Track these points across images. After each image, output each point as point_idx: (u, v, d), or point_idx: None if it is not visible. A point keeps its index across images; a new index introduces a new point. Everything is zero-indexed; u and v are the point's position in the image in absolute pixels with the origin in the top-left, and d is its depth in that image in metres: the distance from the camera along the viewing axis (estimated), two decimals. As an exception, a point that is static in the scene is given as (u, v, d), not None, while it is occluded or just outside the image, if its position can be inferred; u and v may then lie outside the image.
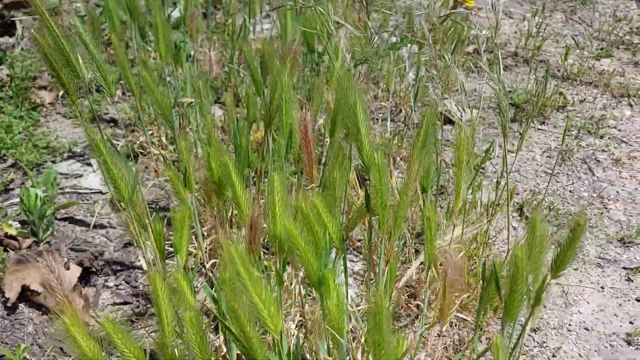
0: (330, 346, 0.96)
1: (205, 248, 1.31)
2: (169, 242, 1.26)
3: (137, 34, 1.75)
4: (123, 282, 1.40)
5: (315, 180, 0.81)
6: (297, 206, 0.73)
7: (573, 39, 2.76)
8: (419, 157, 0.83)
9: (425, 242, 0.91)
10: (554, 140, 2.05)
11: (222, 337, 1.02)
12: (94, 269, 1.42)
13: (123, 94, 2.12)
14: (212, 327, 1.22)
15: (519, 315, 0.95)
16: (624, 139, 2.05)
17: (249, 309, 0.63)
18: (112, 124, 1.99)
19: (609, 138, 2.06)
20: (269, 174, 0.78)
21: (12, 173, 1.71)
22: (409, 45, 1.89)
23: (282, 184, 0.78)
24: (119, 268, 1.44)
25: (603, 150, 1.99)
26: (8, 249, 1.42)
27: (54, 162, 1.79)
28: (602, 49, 2.68)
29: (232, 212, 1.22)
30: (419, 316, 1.30)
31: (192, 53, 1.97)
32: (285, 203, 0.77)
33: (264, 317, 0.63)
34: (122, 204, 0.95)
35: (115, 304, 1.35)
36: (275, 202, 0.77)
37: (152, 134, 1.89)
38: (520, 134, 2.09)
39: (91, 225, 1.56)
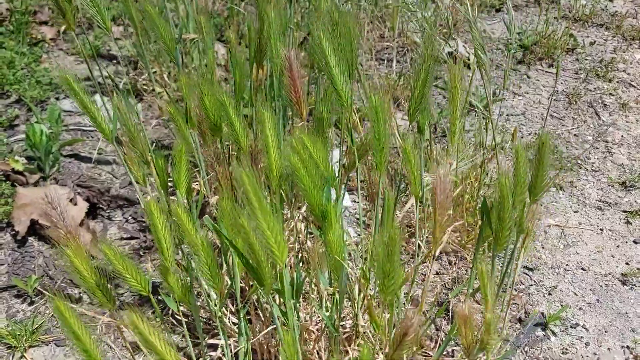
0: (331, 278, 0.98)
1: (209, 185, 1.33)
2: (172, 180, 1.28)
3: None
4: (130, 217, 1.43)
5: (305, 116, 0.81)
6: (289, 143, 0.73)
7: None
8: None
9: (410, 177, 0.91)
10: (562, 83, 2.03)
11: (224, 268, 1.05)
12: (100, 205, 1.45)
13: (125, 30, 2.08)
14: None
15: (511, 250, 0.96)
16: (632, 83, 2.03)
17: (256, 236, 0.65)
18: (114, 60, 1.97)
19: (618, 82, 2.03)
20: (259, 112, 0.78)
21: (16, 109, 1.71)
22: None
23: (272, 120, 0.78)
24: (125, 204, 1.46)
25: (610, 94, 1.97)
26: (16, 183, 1.44)
27: (57, 99, 1.78)
28: (616, -11, 2.60)
29: (229, 150, 1.22)
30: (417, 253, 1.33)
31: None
32: (278, 139, 0.77)
33: (271, 245, 0.64)
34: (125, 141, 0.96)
35: (122, 238, 1.38)
36: (268, 138, 0.77)
37: (155, 72, 1.87)
38: (527, 76, 2.06)
39: (96, 162, 1.58)
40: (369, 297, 0.94)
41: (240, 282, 1.02)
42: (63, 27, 2.01)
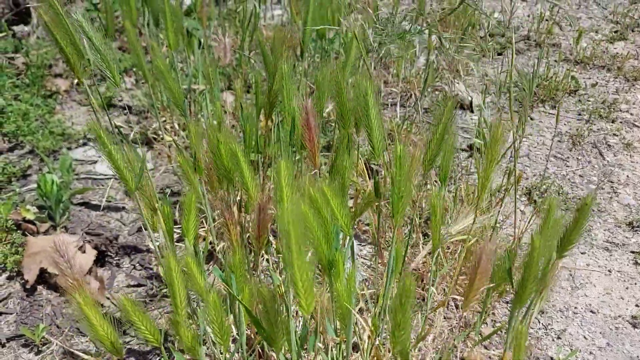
0: (337, 327, 0.98)
1: (216, 231, 1.35)
2: (180, 226, 1.29)
3: (150, 21, 1.77)
4: (137, 264, 1.45)
5: (318, 166, 0.83)
6: (305, 193, 0.75)
7: (588, 21, 2.72)
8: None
9: (433, 230, 0.92)
10: (565, 124, 2.05)
11: (231, 318, 1.06)
12: (109, 253, 1.46)
13: (137, 81, 2.15)
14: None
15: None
16: (636, 123, 2.04)
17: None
18: (125, 110, 2.03)
19: (621, 122, 2.05)
20: (275, 161, 0.80)
21: (29, 159, 1.75)
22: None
23: (289, 171, 0.80)
24: (133, 251, 1.48)
25: (614, 135, 1.98)
26: (26, 232, 1.46)
27: (69, 148, 1.83)
28: (616, 31, 2.65)
29: (240, 197, 1.25)
30: (425, 299, 1.32)
31: (202, 40, 1.99)
32: (292, 189, 0.79)
33: (300, 297, 0.66)
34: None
35: (129, 285, 1.39)
36: (283, 189, 0.79)
37: (164, 121, 1.92)
38: (530, 118, 2.09)
39: (106, 210, 1.60)
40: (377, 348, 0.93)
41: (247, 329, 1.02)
42: (76, 80, 2.08)
